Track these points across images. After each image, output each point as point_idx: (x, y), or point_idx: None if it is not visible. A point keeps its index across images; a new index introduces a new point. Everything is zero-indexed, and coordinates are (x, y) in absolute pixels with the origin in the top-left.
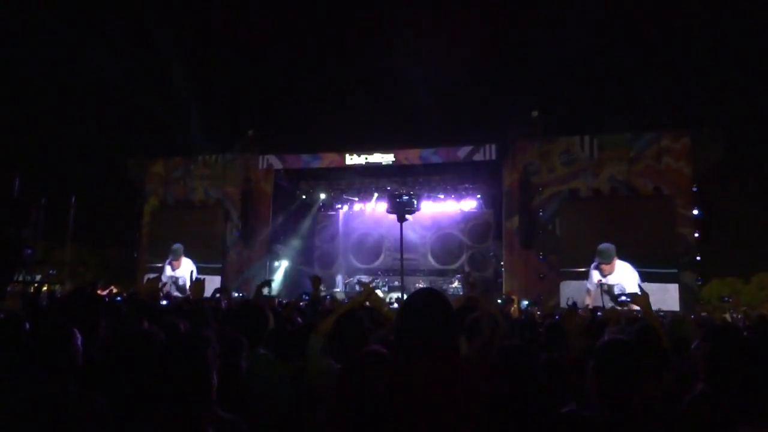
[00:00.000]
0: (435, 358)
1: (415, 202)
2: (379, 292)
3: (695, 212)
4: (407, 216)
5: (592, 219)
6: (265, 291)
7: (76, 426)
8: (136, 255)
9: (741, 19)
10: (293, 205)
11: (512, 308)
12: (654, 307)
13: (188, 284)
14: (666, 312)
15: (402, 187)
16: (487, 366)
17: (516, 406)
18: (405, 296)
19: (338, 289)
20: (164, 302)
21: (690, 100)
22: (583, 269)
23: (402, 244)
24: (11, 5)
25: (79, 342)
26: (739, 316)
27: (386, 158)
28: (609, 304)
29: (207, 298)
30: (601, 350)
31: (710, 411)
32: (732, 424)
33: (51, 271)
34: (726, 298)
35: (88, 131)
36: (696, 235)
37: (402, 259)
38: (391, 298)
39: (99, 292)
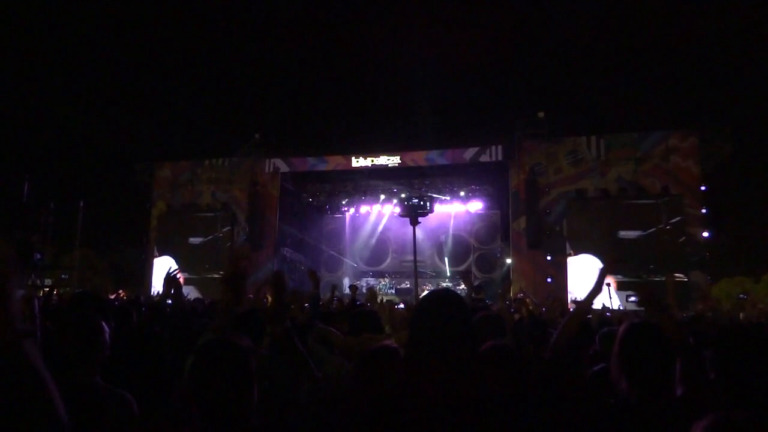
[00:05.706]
0: (450, 358)
1: (428, 204)
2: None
3: (704, 211)
4: (419, 219)
5: (599, 219)
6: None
7: (103, 418)
8: (143, 258)
9: (747, 16)
10: (300, 208)
11: (522, 309)
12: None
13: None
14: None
15: (411, 190)
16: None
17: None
18: (417, 299)
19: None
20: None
21: (697, 99)
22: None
23: (415, 247)
24: (21, 12)
25: (108, 336)
26: (742, 315)
27: (392, 160)
28: (616, 304)
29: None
30: (626, 333)
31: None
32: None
33: (63, 276)
34: (742, 295)
35: (96, 136)
36: (705, 234)
37: (415, 261)
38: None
39: (109, 296)
